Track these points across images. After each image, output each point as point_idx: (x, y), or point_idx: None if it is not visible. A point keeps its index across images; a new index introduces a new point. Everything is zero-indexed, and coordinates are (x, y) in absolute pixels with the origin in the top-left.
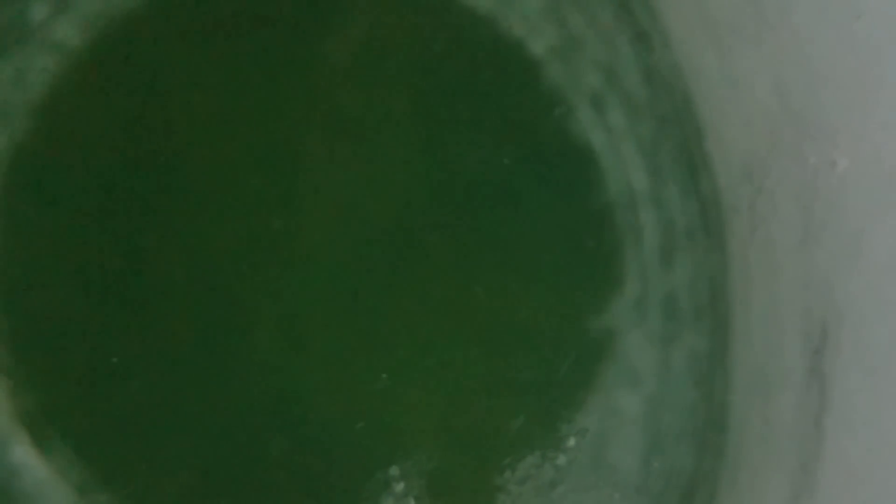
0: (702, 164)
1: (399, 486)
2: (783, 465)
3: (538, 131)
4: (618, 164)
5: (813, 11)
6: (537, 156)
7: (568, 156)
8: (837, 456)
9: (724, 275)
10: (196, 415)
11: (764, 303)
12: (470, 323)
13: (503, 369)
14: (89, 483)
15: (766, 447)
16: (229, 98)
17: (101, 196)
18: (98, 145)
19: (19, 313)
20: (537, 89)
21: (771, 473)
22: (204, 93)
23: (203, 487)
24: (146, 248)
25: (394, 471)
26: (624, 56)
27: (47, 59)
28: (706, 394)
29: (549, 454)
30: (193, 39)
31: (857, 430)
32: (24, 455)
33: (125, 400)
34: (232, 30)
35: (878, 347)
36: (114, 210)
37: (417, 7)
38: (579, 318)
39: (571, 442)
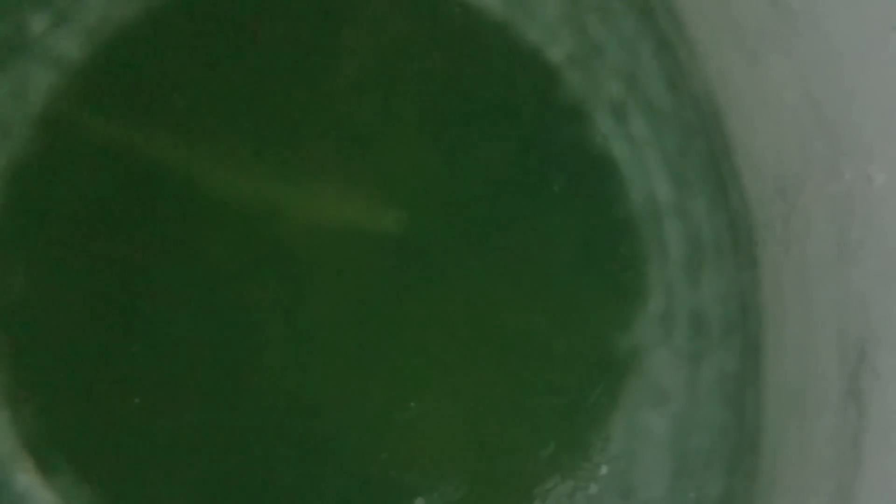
0: (731, 178)
1: None
2: (819, 490)
3: (557, 141)
4: (641, 174)
5: (846, 21)
6: (557, 166)
7: (589, 166)
8: (876, 479)
9: (755, 292)
10: (206, 439)
11: (797, 322)
12: (493, 345)
13: (530, 394)
14: None
15: (801, 470)
16: (235, 109)
17: (104, 212)
18: (100, 159)
19: (20, 335)
20: (556, 98)
21: (807, 498)
22: (208, 103)
23: None
24: (152, 266)
25: (419, 503)
26: (646, 65)
27: (47, 72)
28: (738, 415)
29: (580, 484)
30: (195, 51)
31: None
32: (29, 482)
33: (130, 424)
34: (237, 41)
35: None
36: (118, 226)
37: (431, 14)
38: (604, 336)
39: (604, 470)
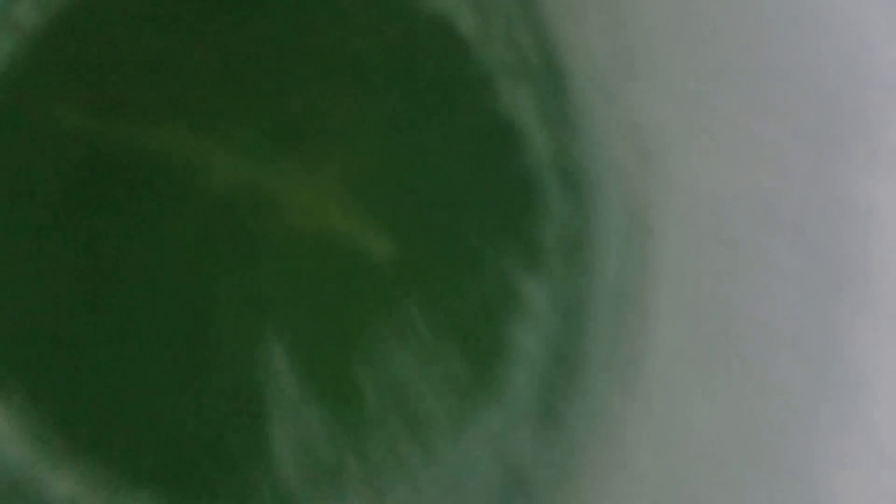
0: (585, 133)
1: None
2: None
3: (463, 108)
4: (536, 136)
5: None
6: (462, 131)
7: (492, 131)
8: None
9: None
10: (157, 376)
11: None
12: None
13: (425, 325)
14: (45, 431)
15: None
16: (195, 77)
17: (66, 183)
18: (64, 130)
19: None
20: (462, 68)
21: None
22: (171, 73)
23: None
24: (111, 232)
25: (273, 339)
26: (525, 34)
27: (7, 40)
28: (581, 329)
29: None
30: (164, 24)
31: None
32: None
33: (78, 347)
34: (207, 14)
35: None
36: (78, 196)
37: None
38: (499, 272)
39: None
